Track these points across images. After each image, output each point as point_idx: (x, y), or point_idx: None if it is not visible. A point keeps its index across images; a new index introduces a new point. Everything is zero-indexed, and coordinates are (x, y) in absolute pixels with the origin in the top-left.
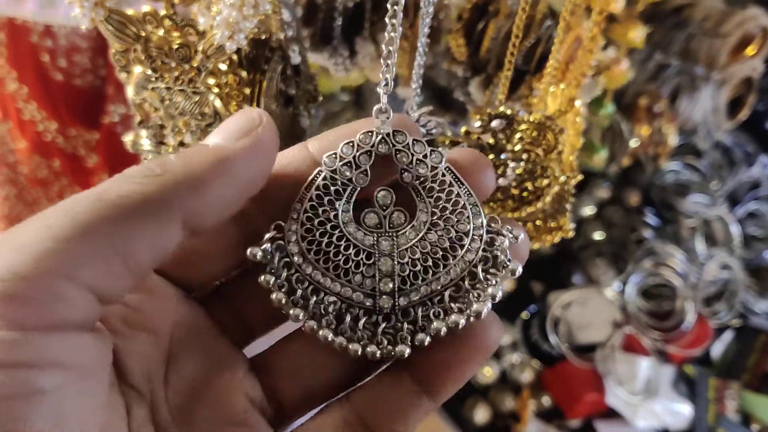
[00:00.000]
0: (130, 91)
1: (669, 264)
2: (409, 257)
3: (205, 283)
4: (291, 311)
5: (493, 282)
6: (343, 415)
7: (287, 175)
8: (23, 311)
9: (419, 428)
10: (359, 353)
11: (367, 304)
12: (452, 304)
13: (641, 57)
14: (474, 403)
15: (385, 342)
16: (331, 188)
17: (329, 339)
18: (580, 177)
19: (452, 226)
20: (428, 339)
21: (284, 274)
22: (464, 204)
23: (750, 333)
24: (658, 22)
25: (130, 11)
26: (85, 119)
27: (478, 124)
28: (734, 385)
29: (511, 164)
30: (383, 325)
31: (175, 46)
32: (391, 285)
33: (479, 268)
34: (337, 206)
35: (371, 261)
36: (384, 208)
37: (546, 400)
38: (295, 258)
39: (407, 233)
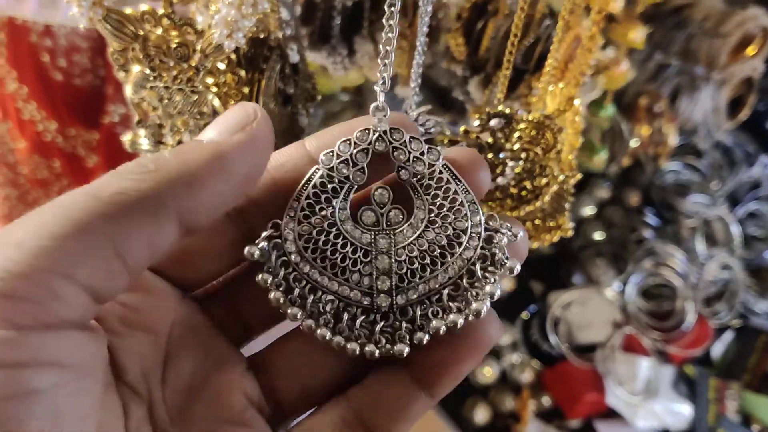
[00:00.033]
0: (128, 90)
1: (669, 264)
2: (407, 255)
3: (204, 282)
4: (289, 310)
5: (492, 280)
6: (342, 413)
7: (285, 174)
8: (18, 310)
9: (420, 429)
10: (357, 352)
11: (365, 302)
12: (451, 303)
13: (641, 57)
14: (474, 403)
15: (384, 341)
16: (329, 186)
17: (327, 338)
18: (579, 176)
19: (450, 224)
20: (427, 338)
21: (282, 272)
22: (462, 202)
23: (750, 333)
24: (658, 22)
25: (128, 10)
26: (84, 119)
27: (476, 123)
28: (734, 385)
29: (510, 163)
30: (381, 324)
31: (174, 45)
32: (388, 283)
33: (477, 266)
34: (335, 204)
35: (369, 259)
36: (381, 206)
37: (546, 401)
38: (293, 257)
39: (405, 231)
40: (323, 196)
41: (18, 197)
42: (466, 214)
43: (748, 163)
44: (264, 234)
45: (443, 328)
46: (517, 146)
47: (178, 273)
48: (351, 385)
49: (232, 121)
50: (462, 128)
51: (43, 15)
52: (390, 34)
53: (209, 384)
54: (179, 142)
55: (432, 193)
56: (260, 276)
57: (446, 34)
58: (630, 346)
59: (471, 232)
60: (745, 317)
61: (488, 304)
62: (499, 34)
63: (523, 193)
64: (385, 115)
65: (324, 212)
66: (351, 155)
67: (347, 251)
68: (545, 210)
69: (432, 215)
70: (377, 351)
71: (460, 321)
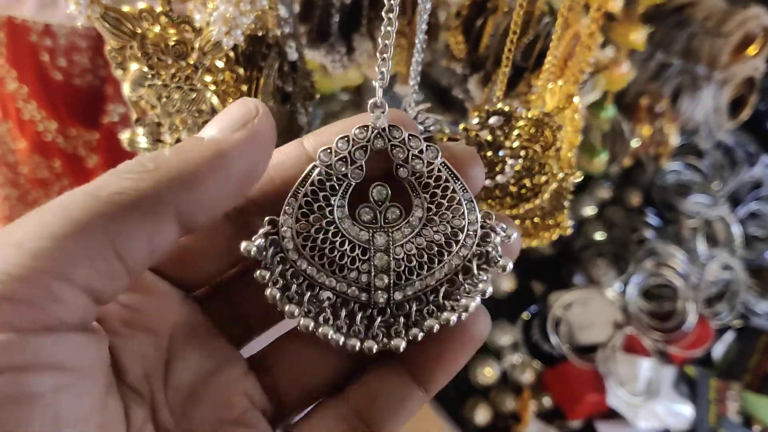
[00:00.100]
0: (126, 89)
1: (670, 264)
2: (405, 253)
3: (204, 282)
4: (286, 307)
5: (485, 278)
6: (341, 411)
7: (284, 172)
8: (18, 313)
9: (421, 429)
10: (357, 348)
11: (363, 298)
12: (445, 301)
13: (643, 56)
14: (475, 404)
15: (381, 336)
16: (326, 184)
17: (327, 335)
18: (578, 174)
19: (447, 222)
20: (421, 334)
21: (279, 269)
22: (459, 200)
23: (751, 333)
24: (659, 21)
25: (125, 8)
26: (84, 119)
27: (476, 121)
28: (735, 386)
29: (510, 161)
30: (379, 319)
31: (172, 43)
32: (386, 280)
33: (474, 263)
34: (332, 202)
35: (366, 257)
36: (379, 203)
37: (547, 401)
38: (290, 254)
39: (402, 229)
40: (321, 194)
41: (18, 197)
42: (463, 212)
43: (750, 163)
44: (261, 231)
45: (437, 326)
46: (516, 144)
47: (178, 273)
48: (349, 380)
49: (233, 118)
50: (461, 126)
51: (43, 14)
52: (389, 28)
53: (211, 384)
54: (178, 141)
55: (430, 192)
56: (258, 272)
57: (446, 31)
58: (631, 347)
59: (468, 230)
60: (746, 318)
61: (478, 300)
62: (498, 32)
63: (523, 191)
64: (383, 112)
65: (322, 210)
66: (349, 152)
67: (345, 249)
68: (544, 208)
69: (430, 213)
70: (376, 346)
71: (453, 318)
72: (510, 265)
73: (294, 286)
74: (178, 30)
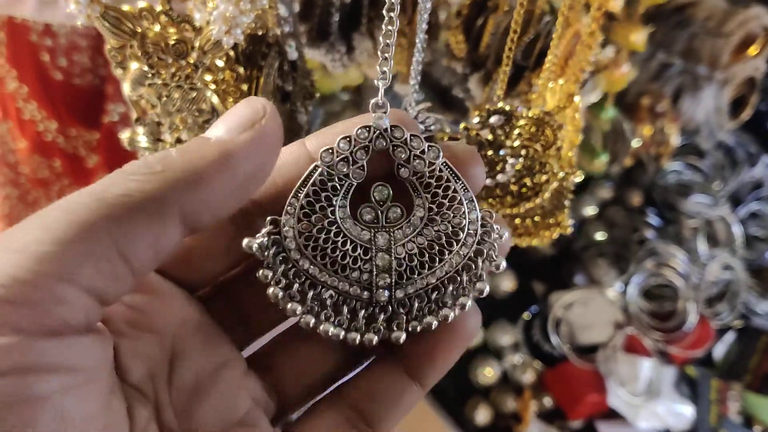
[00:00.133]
0: (126, 88)
1: (671, 264)
2: (406, 252)
3: (207, 282)
4: (288, 305)
5: (483, 276)
6: (340, 409)
7: (286, 173)
8: (22, 316)
9: (421, 429)
10: (357, 342)
11: (365, 297)
12: (446, 299)
13: (644, 56)
14: (475, 404)
15: (382, 329)
16: (328, 184)
17: (329, 332)
18: (579, 173)
19: (448, 221)
20: (420, 327)
21: (281, 269)
22: (460, 199)
23: (752, 334)
24: (660, 21)
25: (125, 7)
26: (84, 119)
27: (476, 120)
28: (736, 386)
29: (510, 160)
30: (381, 316)
31: (172, 42)
32: (388, 279)
33: (479, 261)
34: (334, 202)
35: (368, 256)
36: (381, 203)
37: (547, 401)
38: (292, 253)
39: (404, 228)
40: (323, 194)
41: (18, 197)
42: (464, 211)
43: (750, 164)
44: (264, 230)
45: (435, 323)
46: (517, 143)
47: (181, 273)
48: (346, 374)
49: (240, 118)
50: (462, 125)
51: (43, 14)
52: (390, 27)
53: (215, 384)
54: (178, 140)
55: (432, 192)
56: (260, 272)
57: (446, 31)
58: (632, 347)
59: (469, 229)
60: (746, 318)
61: (474, 297)
62: (499, 31)
63: (523, 190)
64: (385, 112)
65: (324, 210)
66: (351, 153)
67: (347, 249)
68: (545, 207)
69: (431, 213)
70: (376, 338)
71: (452, 315)
72: (504, 264)
73: (296, 285)
74: (178, 29)
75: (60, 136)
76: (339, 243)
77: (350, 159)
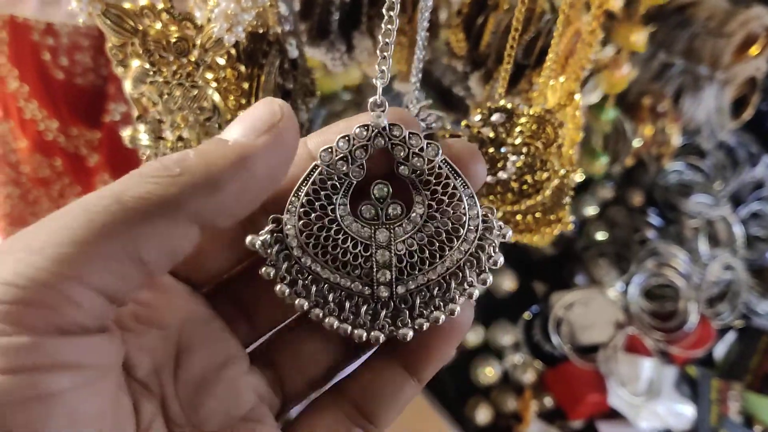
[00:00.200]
0: (127, 86)
1: (672, 264)
2: (406, 248)
3: (211, 279)
4: (296, 302)
5: (486, 271)
6: (339, 405)
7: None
8: (37, 316)
9: (422, 429)
10: (363, 338)
11: (366, 293)
12: (453, 294)
13: (645, 56)
14: (476, 404)
15: (387, 326)
16: (328, 182)
17: (335, 326)
18: (580, 171)
19: (449, 218)
20: (427, 324)
21: (284, 266)
22: (460, 196)
23: (753, 334)
24: (661, 21)
25: (127, 5)
26: (86, 118)
27: (478, 117)
28: (737, 386)
29: (511, 158)
30: (383, 312)
31: (173, 40)
32: (388, 276)
33: (483, 256)
34: (334, 200)
35: (369, 253)
36: (380, 200)
37: (548, 401)
38: (294, 251)
39: (404, 225)
40: (323, 193)
41: (20, 196)
42: (464, 208)
43: (752, 164)
44: (266, 228)
45: (443, 318)
46: (518, 141)
47: (185, 270)
48: (344, 366)
49: (257, 121)
50: (463, 123)
51: (45, 13)
52: (390, 26)
53: (220, 380)
54: (179, 138)
55: (431, 189)
56: (264, 269)
57: (446, 29)
58: (632, 347)
59: (469, 226)
60: (747, 318)
61: (476, 293)
62: (499, 29)
63: (524, 187)
64: (383, 111)
65: (324, 208)
66: (350, 152)
67: (348, 246)
68: (546, 204)
69: (431, 210)
70: (382, 335)
71: (457, 310)
72: (501, 260)
73: (300, 282)
74: (180, 27)
75: (61, 135)
76: (340, 240)
77: (349, 158)
